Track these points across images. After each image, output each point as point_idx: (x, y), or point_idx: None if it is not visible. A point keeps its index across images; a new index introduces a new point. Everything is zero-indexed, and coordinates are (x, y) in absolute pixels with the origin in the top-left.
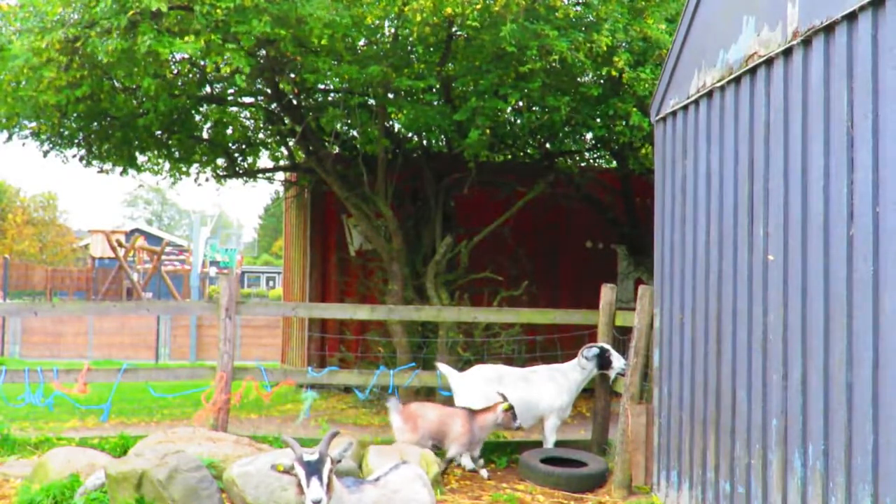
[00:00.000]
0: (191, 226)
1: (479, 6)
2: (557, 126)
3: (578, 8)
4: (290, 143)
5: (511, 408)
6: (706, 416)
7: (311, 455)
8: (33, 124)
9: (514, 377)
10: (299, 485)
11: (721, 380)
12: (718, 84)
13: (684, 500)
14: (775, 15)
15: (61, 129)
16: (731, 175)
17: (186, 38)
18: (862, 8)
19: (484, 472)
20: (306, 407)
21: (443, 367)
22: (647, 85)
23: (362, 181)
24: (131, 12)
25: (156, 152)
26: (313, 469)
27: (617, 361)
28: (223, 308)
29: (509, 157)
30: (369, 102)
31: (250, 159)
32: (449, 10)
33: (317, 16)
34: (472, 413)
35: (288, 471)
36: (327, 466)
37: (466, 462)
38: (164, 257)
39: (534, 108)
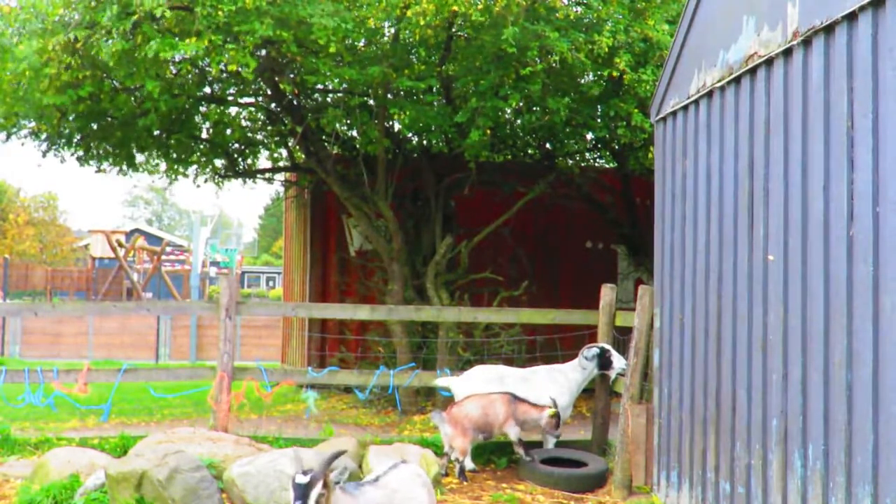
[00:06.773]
0: (191, 226)
1: (480, 6)
2: (558, 127)
3: (579, 9)
4: (290, 144)
5: (557, 415)
6: (706, 416)
7: (302, 478)
8: (32, 124)
9: (514, 378)
10: None
11: (721, 380)
12: (718, 84)
13: (684, 500)
14: (775, 15)
15: (61, 129)
16: (731, 175)
17: (188, 40)
18: (862, 8)
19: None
20: (310, 405)
21: (441, 381)
22: (648, 86)
23: (362, 181)
24: (135, 16)
25: (155, 152)
26: (300, 493)
27: (617, 362)
28: (223, 308)
29: (510, 157)
30: (369, 103)
31: (250, 160)
32: (455, 8)
33: (321, 21)
34: (516, 399)
35: None
36: (316, 490)
37: (468, 463)
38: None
39: (534, 109)
